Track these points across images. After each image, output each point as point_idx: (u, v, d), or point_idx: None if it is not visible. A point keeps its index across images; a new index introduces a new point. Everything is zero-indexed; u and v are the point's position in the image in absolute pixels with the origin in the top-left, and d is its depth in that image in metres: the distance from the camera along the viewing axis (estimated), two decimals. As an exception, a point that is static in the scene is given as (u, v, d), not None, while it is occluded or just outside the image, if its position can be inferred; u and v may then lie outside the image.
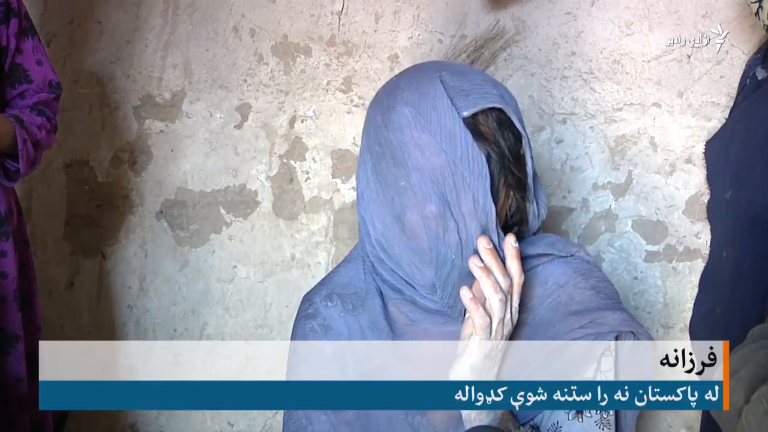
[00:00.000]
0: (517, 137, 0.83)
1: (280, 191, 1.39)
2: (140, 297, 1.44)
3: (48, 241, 1.44)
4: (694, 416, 1.29)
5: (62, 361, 1.45)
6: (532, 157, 0.85)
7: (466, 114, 0.79)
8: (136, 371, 1.44)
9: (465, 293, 0.77)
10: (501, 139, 0.80)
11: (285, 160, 1.38)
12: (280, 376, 1.41)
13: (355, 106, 1.36)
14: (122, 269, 1.44)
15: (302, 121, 1.38)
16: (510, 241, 0.77)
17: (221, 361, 1.43)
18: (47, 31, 1.42)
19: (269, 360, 1.42)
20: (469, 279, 0.79)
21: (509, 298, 0.79)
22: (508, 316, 0.79)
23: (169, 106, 1.40)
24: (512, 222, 0.85)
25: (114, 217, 1.43)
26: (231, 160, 1.40)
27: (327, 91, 1.36)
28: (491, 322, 0.78)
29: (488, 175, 0.78)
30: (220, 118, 1.39)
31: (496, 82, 0.85)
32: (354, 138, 1.36)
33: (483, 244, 0.77)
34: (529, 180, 0.85)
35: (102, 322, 1.45)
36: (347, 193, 1.38)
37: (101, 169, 1.43)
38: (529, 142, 0.84)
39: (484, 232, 0.79)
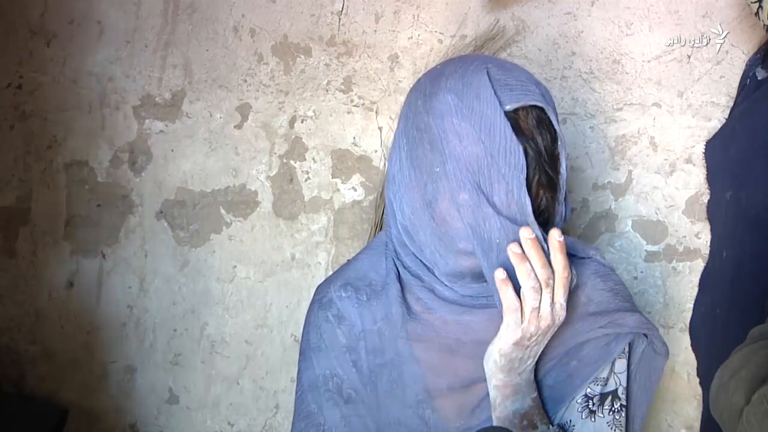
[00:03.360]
0: (554, 138, 0.83)
1: (280, 191, 1.39)
2: (140, 297, 1.44)
3: (48, 241, 1.44)
4: (694, 416, 1.29)
5: (62, 361, 1.46)
6: (567, 160, 0.85)
7: (508, 108, 0.79)
8: (136, 371, 1.44)
9: (498, 273, 0.77)
10: (539, 137, 0.81)
11: (285, 160, 1.38)
12: (281, 376, 1.42)
13: (355, 106, 1.36)
14: (122, 269, 1.44)
15: (302, 121, 1.38)
16: (554, 235, 0.77)
17: (221, 361, 1.43)
18: (47, 31, 1.42)
19: (269, 360, 1.42)
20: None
21: (551, 290, 0.77)
22: (546, 308, 0.77)
23: (169, 106, 1.40)
24: (538, 221, 0.86)
25: (114, 217, 1.43)
26: (231, 160, 1.40)
27: (327, 91, 1.37)
28: (522, 308, 0.78)
29: (524, 169, 0.78)
30: (220, 118, 1.39)
31: (538, 82, 0.85)
32: (354, 138, 1.37)
33: (525, 234, 0.76)
34: (562, 181, 0.85)
35: (102, 322, 1.45)
36: (347, 193, 1.38)
37: (101, 169, 1.42)
38: (564, 144, 0.84)
39: (517, 224, 0.78)
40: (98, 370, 1.45)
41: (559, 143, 0.83)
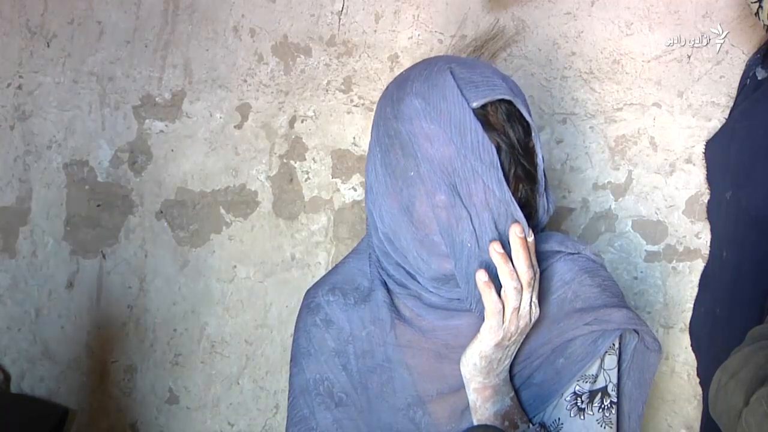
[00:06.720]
0: (527, 130, 0.82)
1: (280, 191, 1.39)
2: (140, 297, 1.44)
3: (48, 241, 1.45)
4: (694, 416, 1.29)
5: (62, 361, 1.46)
6: (542, 150, 0.85)
7: (475, 105, 0.79)
8: (136, 371, 1.45)
9: (480, 275, 0.76)
10: (510, 130, 0.80)
11: (285, 160, 1.38)
12: (281, 376, 1.42)
13: (355, 106, 1.36)
14: (122, 269, 1.44)
15: (302, 121, 1.38)
16: (516, 231, 0.77)
17: (221, 361, 1.43)
18: (47, 31, 1.42)
19: (269, 360, 1.42)
20: (492, 270, 0.78)
21: (531, 289, 0.77)
22: (525, 308, 0.78)
23: (169, 106, 1.40)
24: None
25: (114, 217, 1.43)
26: (231, 160, 1.40)
27: (327, 91, 1.37)
28: (504, 310, 0.78)
29: (499, 164, 0.77)
30: (220, 118, 1.39)
31: (505, 76, 0.85)
32: (354, 138, 1.36)
33: (515, 231, 0.76)
34: (540, 172, 0.85)
35: (102, 322, 1.45)
36: (347, 193, 1.38)
37: (101, 169, 1.43)
38: (538, 135, 0.84)
39: (497, 223, 0.78)
40: (98, 370, 1.46)
41: (532, 134, 0.83)
